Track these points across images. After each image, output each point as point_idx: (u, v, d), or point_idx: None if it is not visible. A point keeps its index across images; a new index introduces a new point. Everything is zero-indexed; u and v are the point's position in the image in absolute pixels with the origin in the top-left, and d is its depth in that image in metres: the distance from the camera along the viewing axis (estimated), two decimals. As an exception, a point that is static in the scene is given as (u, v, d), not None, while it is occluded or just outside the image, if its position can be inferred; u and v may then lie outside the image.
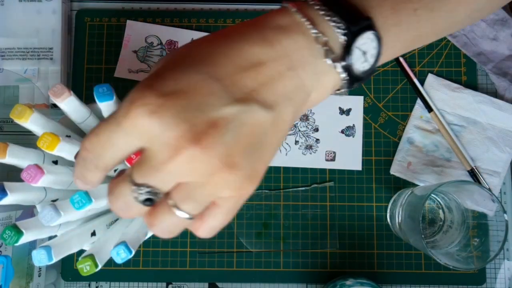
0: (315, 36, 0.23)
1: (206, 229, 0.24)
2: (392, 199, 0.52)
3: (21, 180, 0.35)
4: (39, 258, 0.35)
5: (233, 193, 0.23)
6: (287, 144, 0.54)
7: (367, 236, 0.52)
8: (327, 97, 0.25)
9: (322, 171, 0.53)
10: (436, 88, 0.54)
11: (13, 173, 0.48)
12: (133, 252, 0.36)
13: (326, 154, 0.53)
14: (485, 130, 0.53)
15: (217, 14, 0.56)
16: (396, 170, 0.53)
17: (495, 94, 0.54)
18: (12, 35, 0.54)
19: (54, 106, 0.53)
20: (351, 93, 0.54)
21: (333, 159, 0.53)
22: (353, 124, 0.54)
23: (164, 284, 0.52)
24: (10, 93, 0.54)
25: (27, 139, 0.53)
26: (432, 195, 0.51)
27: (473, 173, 0.52)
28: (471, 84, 0.54)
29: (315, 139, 0.54)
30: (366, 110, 0.54)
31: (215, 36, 0.24)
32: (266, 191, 0.53)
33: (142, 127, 0.21)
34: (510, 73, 0.53)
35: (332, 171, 0.53)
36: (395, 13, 0.25)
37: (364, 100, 0.54)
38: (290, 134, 0.54)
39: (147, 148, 0.22)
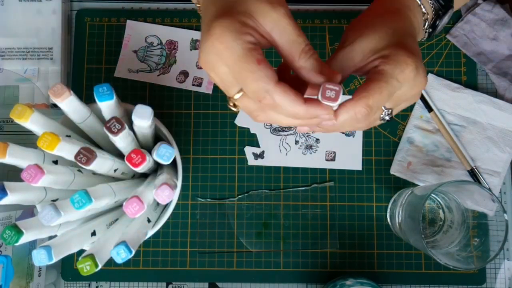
0: (425, 16, 0.37)
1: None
2: (392, 199, 0.52)
3: (21, 180, 0.35)
4: (39, 258, 0.35)
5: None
6: (287, 144, 0.54)
7: (367, 236, 0.52)
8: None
9: (322, 171, 0.53)
10: (436, 88, 0.54)
11: (13, 173, 0.48)
12: (133, 252, 0.36)
13: (326, 154, 0.53)
14: (485, 130, 0.53)
15: (217, 14, 0.56)
16: (396, 170, 0.53)
17: (495, 94, 0.54)
18: (12, 35, 0.54)
19: (54, 106, 0.53)
20: (351, 93, 0.54)
21: (333, 159, 0.53)
22: (353, 124, 0.54)
23: (164, 284, 0.52)
24: (10, 93, 0.54)
25: (27, 139, 0.53)
26: (432, 195, 0.51)
27: (473, 173, 0.52)
28: (471, 84, 0.54)
29: (315, 139, 0.54)
30: (366, 110, 0.54)
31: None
32: (266, 191, 0.53)
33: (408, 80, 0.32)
34: (510, 73, 0.54)
35: (332, 171, 0.53)
36: None
37: (364, 100, 0.54)
38: (290, 134, 0.54)
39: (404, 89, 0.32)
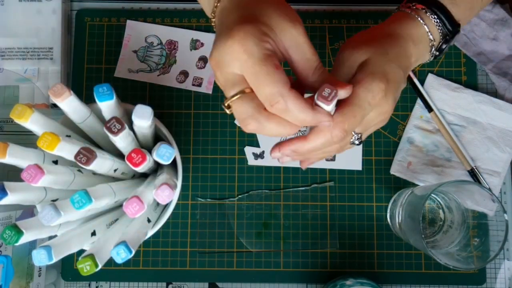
0: (431, 42, 0.38)
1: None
2: (392, 199, 0.52)
3: (21, 180, 0.35)
4: (39, 258, 0.35)
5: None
6: (287, 144, 0.54)
7: (367, 236, 0.52)
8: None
9: (322, 171, 0.53)
10: (436, 88, 0.54)
11: (13, 173, 0.48)
12: (133, 252, 0.36)
13: (326, 154, 0.53)
14: (485, 130, 0.53)
15: (217, 14, 0.56)
16: (396, 170, 0.53)
17: (495, 94, 0.54)
18: (12, 35, 0.54)
19: (54, 106, 0.53)
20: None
21: (333, 159, 0.53)
22: (353, 124, 0.54)
23: (164, 284, 0.52)
24: (10, 93, 0.54)
25: (27, 139, 0.53)
26: (432, 195, 0.51)
27: (473, 173, 0.52)
28: (471, 84, 0.54)
29: (315, 139, 0.54)
30: (366, 110, 0.54)
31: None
32: (266, 191, 0.53)
33: (377, 104, 0.34)
34: (510, 73, 0.54)
35: (332, 171, 0.53)
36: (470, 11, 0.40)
37: (364, 100, 0.54)
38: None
39: (372, 115, 0.34)
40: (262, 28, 0.31)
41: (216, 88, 0.55)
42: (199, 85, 0.55)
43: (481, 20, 0.54)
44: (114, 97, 0.39)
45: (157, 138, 0.47)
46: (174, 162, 0.44)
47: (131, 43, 0.56)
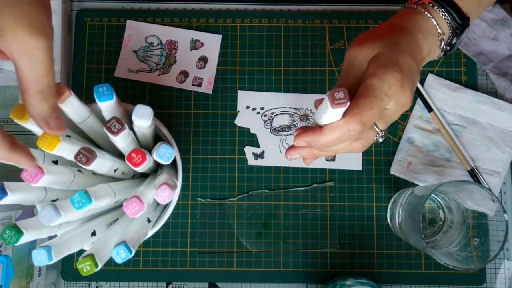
0: (440, 36, 0.37)
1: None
2: (392, 199, 0.52)
3: (21, 180, 0.35)
4: (39, 258, 0.35)
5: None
6: (287, 144, 0.54)
7: (367, 236, 0.52)
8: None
9: (322, 171, 0.53)
10: (436, 88, 0.54)
11: (13, 173, 0.48)
12: (133, 252, 0.36)
13: (326, 154, 0.53)
14: (485, 130, 0.53)
15: (217, 14, 0.56)
16: (396, 170, 0.53)
17: (495, 94, 0.54)
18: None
19: (54, 106, 0.53)
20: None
21: (333, 159, 0.53)
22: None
23: (164, 284, 0.52)
24: (10, 93, 0.54)
25: (27, 139, 0.53)
26: (432, 195, 0.51)
27: (473, 173, 0.52)
28: (471, 84, 0.54)
29: (315, 139, 0.54)
30: (366, 110, 0.54)
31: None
32: (266, 191, 0.53)
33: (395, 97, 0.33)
34: (510, 73, 0.54)
35: (332, 171, 0.53)
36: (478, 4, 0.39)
37: (364, 100, 0.54)
38: (290, 134, 0.54)
39: (392, 108, 0.33)
40: None
41: (216, 88, 0.55)
42: (199, 85, 0.55)
43: (481, 20, 0.54)
44: (114, 97, 0.39)
45: (157, 138, 0.47)
46: (174, 162, 0.44)
47: (131, 43, 0.56)
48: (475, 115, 0.53)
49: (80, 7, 0.57)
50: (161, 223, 0.45)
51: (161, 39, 0.56)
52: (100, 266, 0.36)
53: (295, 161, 0.53)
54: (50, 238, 0.44)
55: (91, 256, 0.35)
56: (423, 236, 0.41)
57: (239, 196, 0.53)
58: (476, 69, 0.55)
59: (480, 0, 0.39)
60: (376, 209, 0.53)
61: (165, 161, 0.39)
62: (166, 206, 0.46)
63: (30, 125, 0.38)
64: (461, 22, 0.37)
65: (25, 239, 0.36)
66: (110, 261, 0.36)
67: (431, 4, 0.37)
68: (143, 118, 0.39)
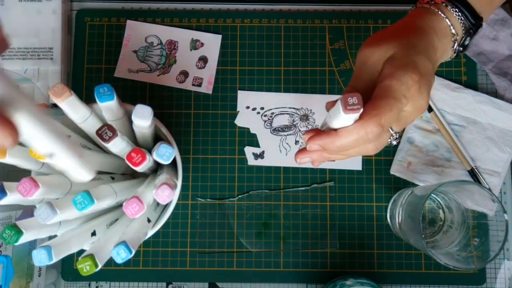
0: (454, 37, 0.37)
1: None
2: (392, 199, 0.52)
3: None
4: (39, 258, 0.35)
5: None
6: (287, 144, 0.54)
7: (367, 236, 0.52)
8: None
9: (322, 171, 0.53)
10: (436, 88, 0.54)
11: (13, 173, 0.48)
12: (133, 252, 0.36)
13: (326, 154, 0.53)
14: (485, 130, 0.53)
15: (217, 14, 0.56)
16: (396, 170, 0.53)
17: (495, 94, 0.54)
18: (12, 35, 0.54)
19: (54, 106, 0.53)
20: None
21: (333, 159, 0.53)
22: (353, 124, 0.54)
23: (164, 284, 0.52)
24: (10, 93, 0.54)
25: (27, 139, 0.53)
26: (432, 195, 0.51)
27: (473, 173, 0.52)
28: (471, 84, 0.54)
29: (315, 139, 0.54)
30: (366, 110, 0.54)
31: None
32: (266, 191, 0.53)
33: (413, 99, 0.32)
34: (510, 73, 0.54)
35: (332, 171, 0.53)
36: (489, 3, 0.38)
37: (364, 100, 0.54)
38: (290, 134, 0.54)
39: (408, 111, 0.33)
40: None
41: (216, 88, 0.55)
42: (199, 85, 0.55)
43: (481, 20, 0.54)
44: (115, 97, 0.39)
45: (157, 138, 0.47)
46: (174, 162, 0.44)
47: (131, 43, 0.56)
48: (475, 115, 0.53)
49: (80, 7, 0.57)
50: (161, 223, 0.45)
51: (161, 39, 0.56)
52: (100, 266, 0.36)
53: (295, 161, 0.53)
54: (50, 238, 0.44)
55: (91, 256, 0.35)
56: (423, 236, 0.41)
57: (239, 196, 0.53)
58: (476, 69, 0.55)
59: (491, 0, 0.38)
60: (376, 209, 0.53)
61: (165, 161, 0.39)
62: (166, 206, 0.46)
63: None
64: (474, 22, 0.36)
65: (25, 238, 0.36)
66: (110, 261, 0.36)
67: (444, 4, 0.36)
68: (143, 118, 0.39)
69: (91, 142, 0.45)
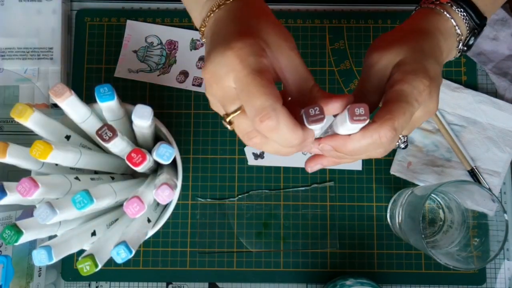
0: (459, 37, 0.37)
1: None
2: (392, 199, 0.52)
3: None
4: (39, 258, 0.35)
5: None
6: (287, 144, 0.54)
7: (367, 236, 0.52)
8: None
9: (322, 171, 0.53)
10: (436, 88, 0.54)
11: (13, 173, 0.48)
12: (133, 252, 0.36)
13: (326, 154, 0.53)
14: (485, 130, 0.53)
15: (217, 14, 0.56)
16: (396, 170, 0.53)
17: (495, 94, 0.54)
18: (12, 35, 0.54)
19: (54, 106, 0.53)
20: (351, 93, 0.54)
21: (333, 159, 0.53)
22: (353, 124, 0.54)
23: (164, 284, 0.52)
24: (10, 93, 0.54)
25: (27, 139, 0.53)
26: (432, 195, 0.51)
27: (473, 173, 0.52)
28: (471, 84, 0.54)
29: (315, 139, 0.54)
30: (366, 110, 0.54)
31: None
32: (266, 191, 0.53)
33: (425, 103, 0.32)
34: (510, 73, 0.54)
35: (332, 171, 0.53)
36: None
37: (364, 100, 0.54)
38: (290, 134, 0.54)
39: (419, 115, 0.33)
40: (261, 44, 0.30)
41: (216, 88, 0.55)
42: (199, 85, 0.55)
43: (481, 20, 0.54)
44: (115, 97, 0.39)
45: (157, 138, 0.47)
46: (174, 162, 0.44)
47: (131, 43, 0.56)
48: (475, 115, 0.53)
49: (80, 7, 0.57)
50: (161, 223, 0.45)
51: (161, 39, 0.56)
52: (100, 266, 0.36)
53: (295, 161, 0.53)
54: (50, 238, 0.44)
55: (91, 256, 0.35)
56: (423, 236, 0.41)
57: (239, 196, 0.53)
58: (476, 69, 0.55)
59: (495, 0, 0.38)
60: (376, 209, 0.53)
61: (165, 161, 0.39)
62: (166, 206, 0.46)
63: (31, 124, 0.38)
64: (479, 22, 0.36)
65: (24, 238, 0.36)
66: (110, 261, 0.36)
67: (449, 4, 0.36)
68: (143, 118, 0.39)
69: (91, 142, 0.45)
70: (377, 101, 0.34)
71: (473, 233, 0.46)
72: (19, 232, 0.35)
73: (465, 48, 0.38)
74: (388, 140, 0.29)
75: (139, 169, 0.39)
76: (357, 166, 0.53)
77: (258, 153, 0.54)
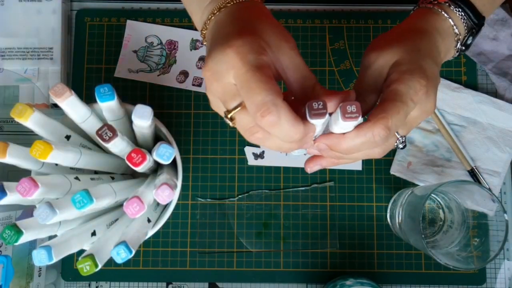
0: (457, 36, 0.37)
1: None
2: (392, 199, 0.52)
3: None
4: (39, 258, 0.35)
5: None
6: (287, 144, 0.54)
7: (367, 236, 0.52)
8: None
9: (322, 171, 0.53)
10: (436, 88, 0.54)
11: (13, 173, 0.48)
12: (133, 252, 0.36)
13: (326, 154, 0.53)
14: (485, 130, 0.53)
15: (217, 14, 0.56)
16: (396, 170, 0.53)
17: (495, 94, 0.54)
18: (12, 35, 0.54)
19: (54, 106, 0.53)
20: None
21: (333, 159, 0.53)
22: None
23: (164, 284, 0.52)
24: (10, 93, 0.54)
25: (27, 139, 0.53)
26: (432, 195, 0.51)
27: (473, 173, 0.52)
28: (471, 84, 0.54)
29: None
30: (366, 110, 0.54)
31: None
32: (266, 191, 0.53)
33: (420, 104, 0.32)
34: (510, 73, 0.54)
35: (332, 171, 0.53)
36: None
37: (364, 100, 0.54)
38: (290, 134, 0.54)
39: (415, 114, 0.33)
40: (261, 43, 0.30)
41: (216, 88, 0.55)
42: (199, 85, 0.55)
43: (481, 20, 0.54)
44: (115, 97, 0.39)
45: (157, 138, 0.47)
46: (174, 162, 0.44)
47: (131, 43, 0.56)
48: (475, 115, 0.53)
49: (80, 7, 0.57)
50: (161, 223, 0.45)
51: (161, 39, 0.56)
52: (100, 266, 0.36)
53: (295, 161, 0.53)
54: (50, 238, 0.44)
55: (91, 256, 0.35)
56: (423, 236, 0.41)
57: (239, 196, 0.53)
58: (476, 69, 0.55)
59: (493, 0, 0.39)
60: (376, 209, 0.53)
61: (165, 161, 0.39)
62: (166, 206, 0.46)
63: (31, 124, 0.38)
64: (477, 22, 0.36)
65: (24, 238, 0.36)
66: (110, 261, 0.36)
67: (447, 4, 0.36)
68: (143, 118, 0.39)
69: (91, 142, 0.45)
70: (374, 101, 0.34)
71: (473, 233, 0.46)
72: (19, 232, 0.35)
73: (463, 48, 0.38)
74: (381, 139, 0.30)
75: (139, 169, 0.39)
76: (357, 166, 0.53)
77: (258, 153, 0.54)
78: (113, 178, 0.44)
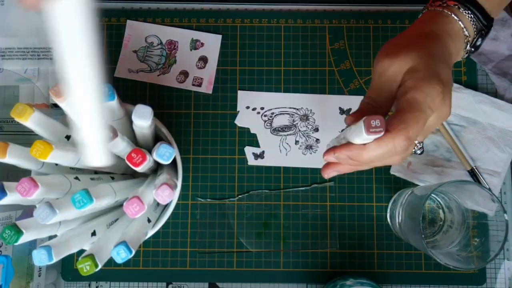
0: (466, 38, 0.37)
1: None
2: (392, 199, 0.52)
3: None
4: (40, 258, 0.35)
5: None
6: (287, 144, 0.54)
7: (367, 236, 0.52)
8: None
9: (322, 171, 0.53)
10: (436, 88, 0.54)
11: (13, 173, 0.48)
12: (133, 252, 0.36)
13: (326, 154, 0.53)
14: (485, 130, 0.53)
15: (217, 14, 0.56)
16: (396, 170, 0.53)
17: (495, 94, 0.54)
18: (12, 35, 0.54)
19: (55, 106, 0.53)
20: (351, 93, 0.54)
21: (333, 159, 0.53)
22: (353, 124, 0.54)
23: (164, 284, 0.52)
24: (10, 93, 0.54)
25: (27, 139, 0.53)
26: (432, 195, 0.51)
27: (473, 173, 0.52)
28: (471, 84, 0.54)
29: (315, 139, 0.54)
30: (366, 110, 0.54)
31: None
32: (266, 191, 0.53)
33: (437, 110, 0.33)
34: (510, 73, 0.54)
35: (332, 171, 0.53)
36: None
37: (364, 100, 0.54)
38: (290, 134, 0.54)
39: (432, 121, 0.33)
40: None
41: (216, 88, 0.55)
42: (199, 85, 0.55)
43: (481, 20, 0.54)
44: (115, 97, 0.39)
45: (157, 138, 0.47)
46: (174, 162, 0.44)
47: (131, 43, 0.56)
48: (475, 115, 0.53)
49: (80, 7, 0.57)
50: (161, 223, 0.45)
51: (161, 39, 0.56)
52: (100, 266, 0.36)
53: (295, 161, 0.53)
54: (50, 238, 0.44)
55: (91, 256, 0.35)
56: (423, 236, 0.41)
57: (239, 196, 0.53)
58: (476, 69, 0.55)
59: (501, 0, 0.38)
60: (376, 209, 0.53)
61: (165, 161, 0.39)
62: (166, 206, 0.46)
63: (31, 124, 0.38)
64: (486, 23, 0.36)
65: (24, 238, 0.36)
66: (110, 261, 0.36)
67: (457, 7, 0.36)
68: (143, 118, 0.39)
69: (91, 142, 0.44)
70: (389, 108, 0.34)
71: (473, 233, 0.46)
72: (19, 232, 0.35)
73: (473, 49, 0.38)
74: (402, 149, 0.30)
75: (139, 169, 0.39)
76: (357, 166, 0.53)
77: (258, 153, 0.54)
78: (113, 178, 0.44)
